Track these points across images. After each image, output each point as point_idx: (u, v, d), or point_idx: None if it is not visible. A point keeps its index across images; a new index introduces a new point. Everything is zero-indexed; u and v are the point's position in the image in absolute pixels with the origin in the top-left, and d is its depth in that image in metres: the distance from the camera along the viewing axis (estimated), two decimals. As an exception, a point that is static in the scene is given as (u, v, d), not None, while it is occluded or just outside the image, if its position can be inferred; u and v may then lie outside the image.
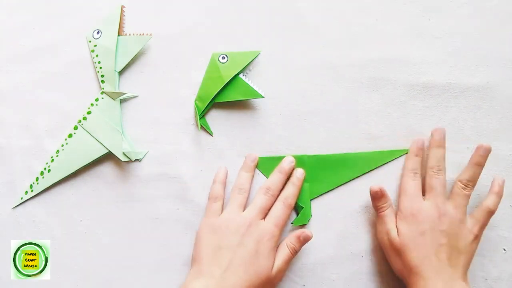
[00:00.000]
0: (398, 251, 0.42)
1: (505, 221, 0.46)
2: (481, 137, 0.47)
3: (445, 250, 0.40)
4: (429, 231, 0.41)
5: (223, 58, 0.48)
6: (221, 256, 0.41)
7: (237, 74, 0.48)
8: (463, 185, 0.43)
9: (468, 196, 0.43)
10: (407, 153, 0.47)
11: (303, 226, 0.47)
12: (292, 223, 0.47)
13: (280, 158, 0.47)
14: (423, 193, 0.44)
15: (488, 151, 0.43)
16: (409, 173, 0.45)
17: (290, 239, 0.44)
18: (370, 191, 0.44)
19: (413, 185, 0.44)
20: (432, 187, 0.43)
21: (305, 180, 0.47)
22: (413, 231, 0.42)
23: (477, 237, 0.42)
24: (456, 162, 0.47)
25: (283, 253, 0.43)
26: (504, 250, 0.46)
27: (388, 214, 0.44)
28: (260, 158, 0.48)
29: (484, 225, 0.42)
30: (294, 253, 0.43)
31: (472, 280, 0.45)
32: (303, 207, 0.46)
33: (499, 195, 0.43)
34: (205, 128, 0.49)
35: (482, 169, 0.43)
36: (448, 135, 0.47)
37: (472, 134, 0.47)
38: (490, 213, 0.42)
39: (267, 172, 0.48)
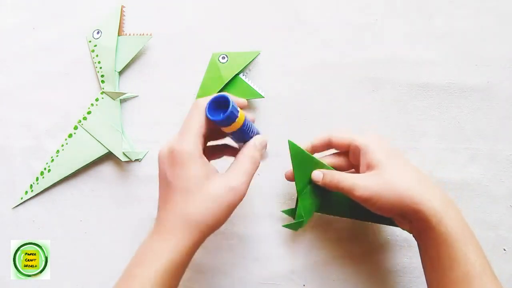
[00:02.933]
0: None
1: (505, 221, 0.46)
2: (481, 137, 0.47)
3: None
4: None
5: (223, 58, 0.48)
6: None
7: (237, 74, 0.48)
8: None
9: None
10: None
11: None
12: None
13: None
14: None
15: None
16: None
17: None
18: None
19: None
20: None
21: (313, 195, 0.43)
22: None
23: None
24: (456, 162, 0.47)
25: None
26: (504, 250, 0.46)
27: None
28: None
29: None
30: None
31: (472, 280, 0.45)
32: (302, 218, 0.43)
33: None
34: (205, 128, 0.49)
35: None
36: (448, 135, 0.47)
37: (472, 134, 0.47)
38: None
39: None
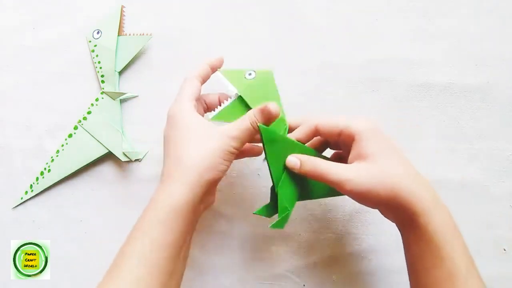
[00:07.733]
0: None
1: (505, 221, 0.46)
2: (481, 137, 0.47)
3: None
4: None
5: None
6: None
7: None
8: None
9: None
10: None
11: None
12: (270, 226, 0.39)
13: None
14: None
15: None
16: None
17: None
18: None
19: None
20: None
21: (292, 182, 0.39)
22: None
23: None
24: (456, 162, 0.47)
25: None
26: (504, 250, 0.46)
27: None
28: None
29: None
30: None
31: (472, 280, 0.45)
32: (288, 211, 0.38)
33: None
34: (205, 128, 0.49)
35: None
36: (448, 135, 0.47)
37: (472, 134, 0.47)
38: None
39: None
